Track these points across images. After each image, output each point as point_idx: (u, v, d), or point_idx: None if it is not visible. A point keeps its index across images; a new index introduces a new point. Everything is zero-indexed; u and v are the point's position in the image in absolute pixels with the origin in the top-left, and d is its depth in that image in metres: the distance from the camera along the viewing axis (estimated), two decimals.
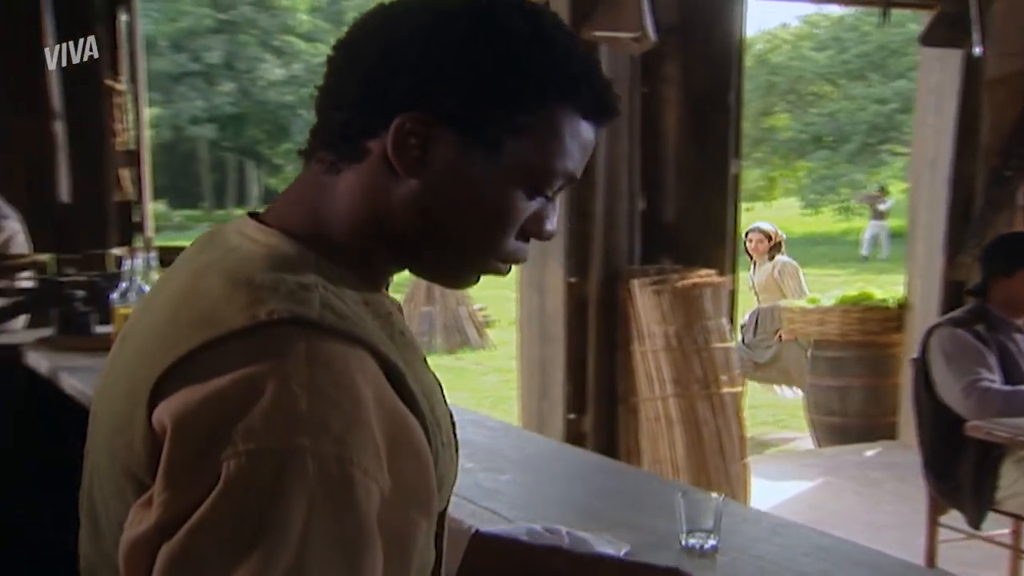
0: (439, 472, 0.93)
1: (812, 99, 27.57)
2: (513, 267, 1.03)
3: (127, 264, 2.77)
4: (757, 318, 7.52)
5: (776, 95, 27.67)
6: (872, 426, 6.52)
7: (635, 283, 5.10)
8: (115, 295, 2.74)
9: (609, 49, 4.75)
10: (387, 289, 1.03)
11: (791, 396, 7.69)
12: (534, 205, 0.97)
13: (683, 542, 1.46)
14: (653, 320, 5.02)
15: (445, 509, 1.04)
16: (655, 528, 1.55)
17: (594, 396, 5.19)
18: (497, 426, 2.36)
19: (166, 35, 29.33)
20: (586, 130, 0.97)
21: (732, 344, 5.12)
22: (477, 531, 1.21)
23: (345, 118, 0.94)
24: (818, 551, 1.49)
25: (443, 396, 1.03)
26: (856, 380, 6.51)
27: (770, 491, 5.41)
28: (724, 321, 5.11)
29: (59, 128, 4.34)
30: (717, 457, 4.94)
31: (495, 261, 0.99)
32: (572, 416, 5.26)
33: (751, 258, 7.65)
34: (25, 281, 3.45)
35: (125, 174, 4.67)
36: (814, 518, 5.10)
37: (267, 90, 29.43)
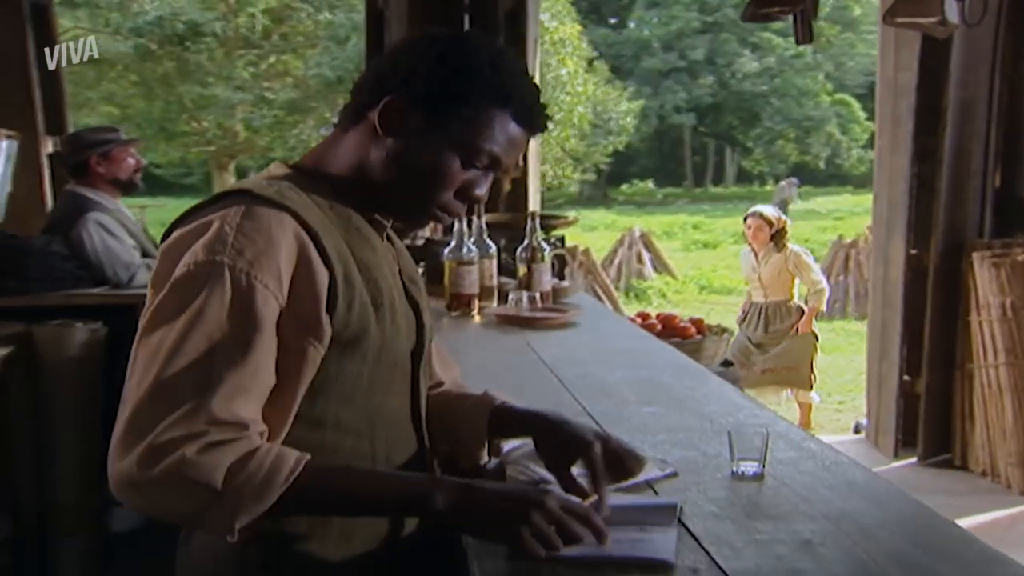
0: (356, 316, 1.18)
1: None
2: (454, 218, 1.31)
3: (456, 226, 2.88)
4: (766, 313, 5.97)
5: None
6: None
7: (976, 255, 4.78)
8: (446, 251, 2.96)
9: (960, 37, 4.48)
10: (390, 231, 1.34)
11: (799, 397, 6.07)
12: (470, 174, 1.26)
13: (732, 468, 1.52)
14: (991, 291, 4.69)
15: (416, 363, 1.30)
16: (717, 454, 1.58)
17: (928, 360, 4.95)
18: (694, 371, 2.29)
19: (659, 37, 30.26)
20: (514, 130, 1.25)
21: None
22: (502, 403, 1.40)
23: (361, 98, 1.26)
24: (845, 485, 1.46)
25: (403, 286, 1.30)
26: None
27: None
28: None
29: None
30: None
31: (437, 209, 1.27)
32: (907, 378, 5.05)
33: (751, 247, 6.08)
34: None
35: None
36: None
37: (743, 82, 29.42)
